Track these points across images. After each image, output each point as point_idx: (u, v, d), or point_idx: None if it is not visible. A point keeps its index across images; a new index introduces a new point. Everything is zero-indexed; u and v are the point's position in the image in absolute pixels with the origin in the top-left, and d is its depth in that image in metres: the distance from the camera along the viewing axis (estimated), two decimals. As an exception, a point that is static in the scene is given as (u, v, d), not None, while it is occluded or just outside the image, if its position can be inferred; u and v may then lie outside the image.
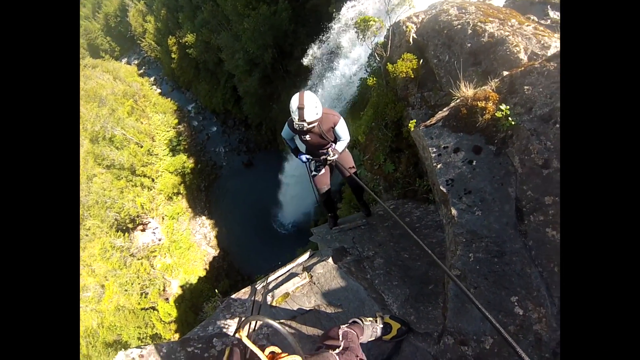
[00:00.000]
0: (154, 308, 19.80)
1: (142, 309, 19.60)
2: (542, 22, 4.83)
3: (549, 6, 5.27)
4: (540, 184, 2.73)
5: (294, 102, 3.45)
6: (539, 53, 3.86)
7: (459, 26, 4.59)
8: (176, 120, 29.53)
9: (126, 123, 26.86)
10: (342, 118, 3.85)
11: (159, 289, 20.25)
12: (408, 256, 3.89)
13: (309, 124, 3.54)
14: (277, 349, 1.52)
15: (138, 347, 3.32)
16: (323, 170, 4.39)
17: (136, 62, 38.07)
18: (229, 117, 27.57)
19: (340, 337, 2.14)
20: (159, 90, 34.07)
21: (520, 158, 2.90)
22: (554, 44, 3.91)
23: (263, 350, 1.44)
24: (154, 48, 34.81)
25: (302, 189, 17.68)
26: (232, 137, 26.70)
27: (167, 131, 28.47)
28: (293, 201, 19.24)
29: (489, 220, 2.86)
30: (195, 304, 19.36)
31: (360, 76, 9.82)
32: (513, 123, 2.99)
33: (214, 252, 22.18)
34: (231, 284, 18.97)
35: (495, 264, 2.66)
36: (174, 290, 20.57)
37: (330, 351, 1.92)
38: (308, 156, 4.23)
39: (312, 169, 4.37)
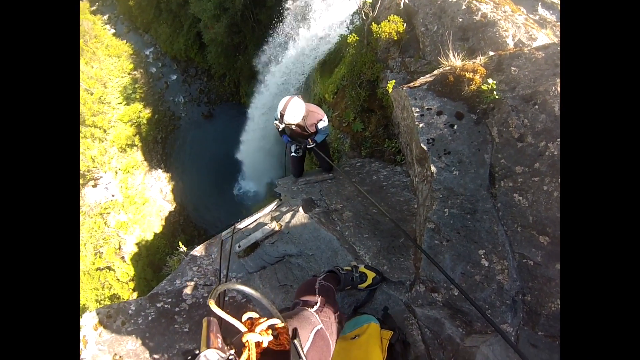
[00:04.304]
0: (109, 268, 18.63)
1: (97, 269, 18.39)
2: (531, 16, 5.06)
3: (539, 3, 5.53)
4: (513, 154, 3.00)
5: (280, 105, 4.14)
6: (526, 42, 4.09)
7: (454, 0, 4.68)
8: (132, 66, 25.97)
9: (74, 67, 23.49)
10: (325, 116, 4.53)
11: (115, 248, 19.00)
12: (376, 211, 4.07)
13: (287, 124, 4.29)
14: (254, 314, 1.45)
15: (104, 307, 3.24)
16: (300, 153, 5.08)
17: (89, -4, 32.52)
18: (191, 66, 25.15)
19: (317, 292, 2.10)
20: (112, 31, 29.03)
21: (499, 129, 3.15)
22: (540, 37, 4.16)
23: (241, 317, 1.39)
24: (110, -20, 30.24)
25: (263, 144, 17.32)
26: (193, 86, 24.53)
27: (122, 77, 25.26)
28: (253, 156, 18.80)
29: (465, 180, 3.11)
30: (153, 260, 18.57)
31: (337, 33, 9.61)
32: (497, 97, 3.20)
33: (170, 206, 20.93)
34: (187, 239, 18.25)
35: (467, 220, 2.93)
36: (130, 248, 19.36)
37: (309, 309, 1.88)
38: (290, 139, 4.88)
39: (292, 150, 4.97)
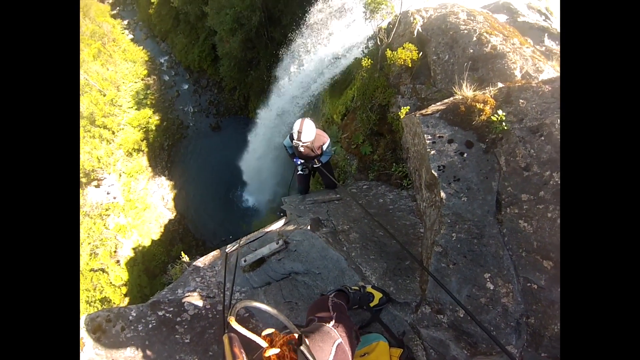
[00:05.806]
0: (103, 270, 18.51)
1: (90, 270, 18.27)
2: (538, 47, 5.24)
3: (546, 34, 5.74)
4: (519, 182, 3.11)
5: (296, 126, 4.57)
6: (532, 74, 4.25)
7: (466, 31, 4.87)
8: (146, 72, 26.64)
9: (90, 67, 24.01)
10: (329, 139, 5.01)
11: (111, 250, 18.93)
12: (383, 234, 4.12)
13: (303, 143, 4.62)
14: (274, 330, 1.51)
15: (104, 310, 3.22)
16: (307, 172, 5.58)
17: (110, 0, 33.78)
18: (203, 77, 25.84)
19: (331, 309, 2.13)
20: (131, 36, 29.78)
21: (506, 159, 3.27)
22: (546, 70, 4.32)
23: (260, 334, 1.43)
24: (132, -13, 31.48)
25: (267, 161, 17.45)
26: (203, 97, 25.07)
27: (135, 82, 25.83)
28: (257, 171, 18.93)
29: (473, 206, 3.21)
30: (148, 267, 18.51)
31: (346, 57, 9.89)
32: (506, 128, 3.33)
33: (170, 215, 21.00)
34: (185, 249, 18.17)
35: (474, 245, 3.02)
36: (126, 252, 19.31)
37: (326, 324, 1.90)
38: (301, 160, 5.33)
39: (300, 169, 5.53)
